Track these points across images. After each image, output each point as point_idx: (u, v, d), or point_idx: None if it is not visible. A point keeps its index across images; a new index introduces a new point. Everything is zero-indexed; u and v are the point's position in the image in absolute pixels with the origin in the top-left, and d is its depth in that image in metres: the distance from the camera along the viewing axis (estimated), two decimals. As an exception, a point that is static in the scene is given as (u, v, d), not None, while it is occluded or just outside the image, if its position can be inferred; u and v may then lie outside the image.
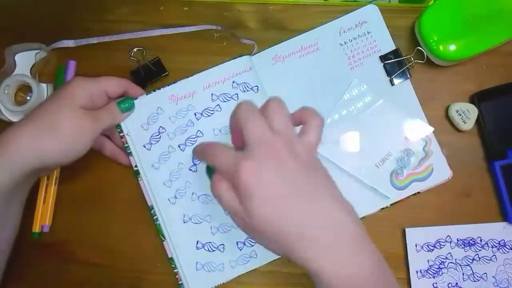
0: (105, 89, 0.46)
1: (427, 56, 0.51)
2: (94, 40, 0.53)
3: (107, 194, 0.52)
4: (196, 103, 0.50)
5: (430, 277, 0.50)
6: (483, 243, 0.51)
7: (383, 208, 0.51)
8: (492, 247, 0.51)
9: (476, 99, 0.51)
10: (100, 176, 0.52)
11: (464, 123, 0.51)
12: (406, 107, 0.51)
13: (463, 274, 0.51)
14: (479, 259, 0.51)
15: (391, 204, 0.51)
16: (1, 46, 0.51)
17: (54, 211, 0.51)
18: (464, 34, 0.50)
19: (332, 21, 0.52)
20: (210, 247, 0.49)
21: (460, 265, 0.51)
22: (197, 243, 0.49)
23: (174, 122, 0.50)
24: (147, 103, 0.50)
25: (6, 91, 0.51)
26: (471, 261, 0.51)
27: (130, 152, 0.50)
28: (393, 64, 0.52)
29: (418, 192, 0.51)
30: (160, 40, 0.53)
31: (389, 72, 0.52)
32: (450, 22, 0.50)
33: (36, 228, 0.51)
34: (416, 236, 0.51)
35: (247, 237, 0.49)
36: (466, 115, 0.51)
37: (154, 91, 0.50)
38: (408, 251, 0.51)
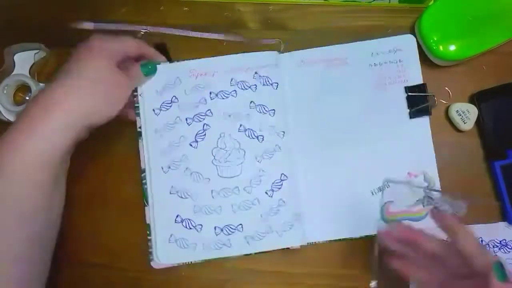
0: (125, 49, 0.45)
1: (427, 56, 0.51)
2: (112, 27, 0.53)
3: (106, 194, 0.51)
4: (214, 83, 0.50)
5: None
6: (484, 243, 0.51)
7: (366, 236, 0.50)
8: (494, 247, 0.51)
9: (476, 99, 0.51)
10: (100, 176, 0.52)
11: (464, 123, 0.51)
12: (418, 143, 0.51)
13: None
14: (480, 260, 0.51)
15: (375, 235, 0.49)
16: (0, 46, 0.51)
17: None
18: (464, 34, 0.50)
19: (368, 40, 0.52)
20: (188, 224, 0.49)
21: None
22: (177, 216, 0.49)
23: (188, 95, 0.50)
24: (168, 71, 0.50)
25: (5, 91, 0.51)
26: (471, 261, 0.51)
27: (138, 113, 0.50)
28: (417, 98, 0.51)
29: None
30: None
31: (411, 105, 0.51)
32: (450, 22, 0.50)
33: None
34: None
35: (227, 225, 0.49)
36: (466, 115, 0.51)
37: (178, 61, 0.51)
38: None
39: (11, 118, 0.51)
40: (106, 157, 0.51)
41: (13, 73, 0.52)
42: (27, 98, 0.52)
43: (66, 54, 0.52)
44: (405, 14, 0.53)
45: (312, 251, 0.50)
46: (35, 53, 0.52)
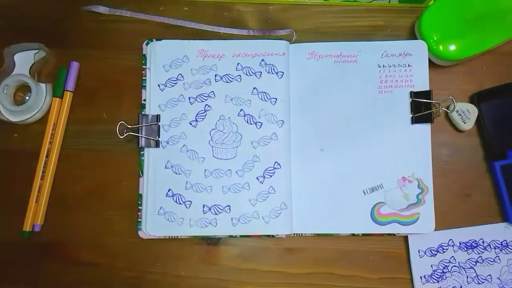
0: None
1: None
2: (127, 14, 0.53)
3: (105, 193, 0.51)
4: (221, 66, 0.52)
5: (434, 282, 0.50)
6: (485, 244, 0.50)
7: (353, 234, 0.50)
8: (495, 248, 0.50)
9: (476, 99, 0.51)
10: (98, 176, 0.52)
11: (464, 123, 0.51)
12: (416, 150, 0.50)
13: (467, 277, 0.50)
14: (483, 261, 0.50)
15: (362, 234, 0.50)
16: (0, 46, 0.51)
17: (51, 210, 0.51)
18: (464, 34, 0.50)
19: (379, 41, 0.52)
20: (179, 199, 0.50)
21: (464, 268, 0.50)
22: (169, 190, 0.50)
23: (194, 75, 0.51)
24: (177, 48, 0.52)
25: (5, 91, 0.51)
26: (474, 263, 0.50)
27: (144, 86, 0.51)
28: (421, 104, 0.50)
29: (393, 234, 0.50)
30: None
31: (414, 110, 0.51)
32: (450, 22, 0.50)
33: (26, 228, 0.50)
34: (418, 241, 0.50)
35: (215, 204, 0.49)
36: (466, 115, 0.51)
37: (189, 39, 0.52)
38: (411, 257, 0.50)
39: (11, 118, 0.51)
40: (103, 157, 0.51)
41: (13, 73, 0.52)
42: (27, 98, 0.52)
43: (66, 54, 0.53)
44: (405, 14, 0.53)
45: (311, 251, 0.50)
46: (35, 53, 0.52)
